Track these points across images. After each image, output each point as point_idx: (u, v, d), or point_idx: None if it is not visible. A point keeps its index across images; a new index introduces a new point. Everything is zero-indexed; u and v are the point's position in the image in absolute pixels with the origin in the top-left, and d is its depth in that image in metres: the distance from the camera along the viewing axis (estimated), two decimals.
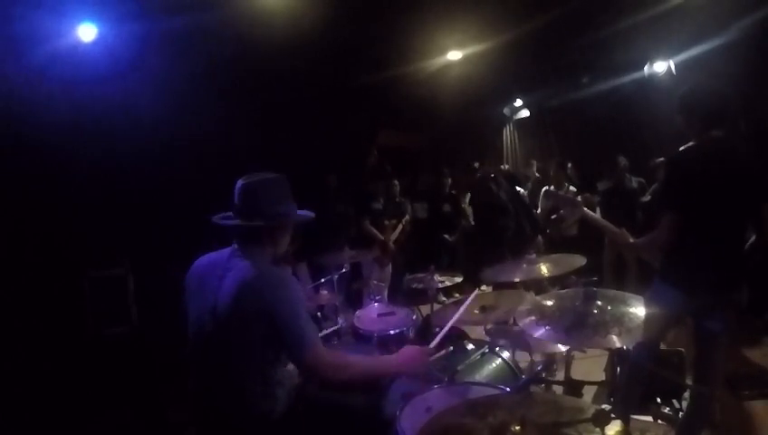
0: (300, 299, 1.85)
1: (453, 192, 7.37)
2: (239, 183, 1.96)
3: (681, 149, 2.43)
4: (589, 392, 2.92)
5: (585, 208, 2.83)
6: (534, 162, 8.60)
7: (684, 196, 2.31)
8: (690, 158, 2.38)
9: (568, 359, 2.53)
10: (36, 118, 3.95)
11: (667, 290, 2.35)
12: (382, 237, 5.72)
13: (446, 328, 2.31)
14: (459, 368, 2.53)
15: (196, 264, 2.03)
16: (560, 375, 2.86)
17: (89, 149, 4.27)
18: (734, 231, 2.40)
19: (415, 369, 2.07)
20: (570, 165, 7.46)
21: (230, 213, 1.97)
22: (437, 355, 2.59)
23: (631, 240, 2.55)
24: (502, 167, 9.47)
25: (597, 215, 2.81)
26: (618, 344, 1.61)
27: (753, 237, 2.56)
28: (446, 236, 7.00)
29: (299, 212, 2.07)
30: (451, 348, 2.80)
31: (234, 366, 1.84)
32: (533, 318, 1.82)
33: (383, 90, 6.89)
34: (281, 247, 2.04)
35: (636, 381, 2.47)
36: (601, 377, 3.12)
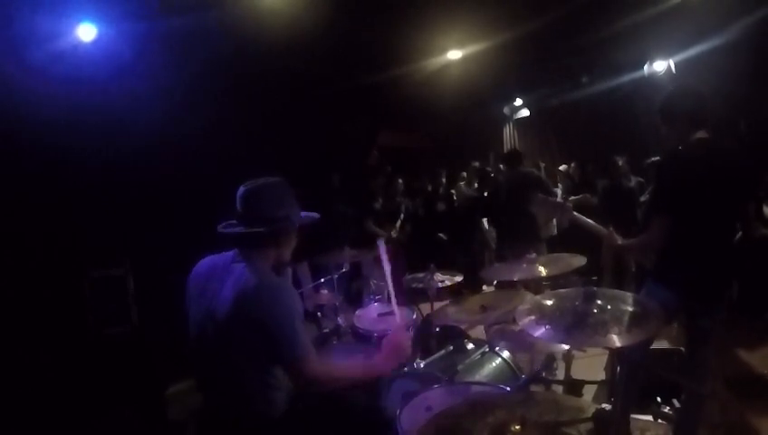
0: (295, 309, 1.82)
1: (451, 191, 7.41)
2: (240, 189, 1.94)
3: (669, 152, 2.46)
4: (589, 392, 2.92)
5: (574, 212, 2.84)
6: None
7: (673, 199, 2.33)
8: (679, 161, 2.41)
9: (568, 358, 2.53)
10: (36, 118, 3.94)
11: (659, 289, 2.37)
12: (386, 234, 5.72)
13: (390, 286, 2.33)
14: (459, 368, 2.54)
15: (197, 266, 2.02)
16: (560, 375, 2.87)
17: (89, 148, 4.26)
18: (724, 231, 2.44)
19: (402, 355, 2.06)
20: (572, 164, 7.48)
21: (233, 220, 1.95)
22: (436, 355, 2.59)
23: (620, 241, 2.57)
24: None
25: (585, 217, 2.82)
26: (618, 344, 1.61)
27: (740, 234, 2.59)
28: (441, 234, 7.02)
29: (303, 214, 2.05)
30: (451, 348, 2.81)
31: (232, 370, 1.84)
32: (533, 318, 1.82)
33: (383, 90, 6.89)
34: (286, 252, 2.01)
35: (630, 380, 2.48)
36: (601, 376, 3.13)
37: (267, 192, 1.93)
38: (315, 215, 2.10)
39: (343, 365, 2.03)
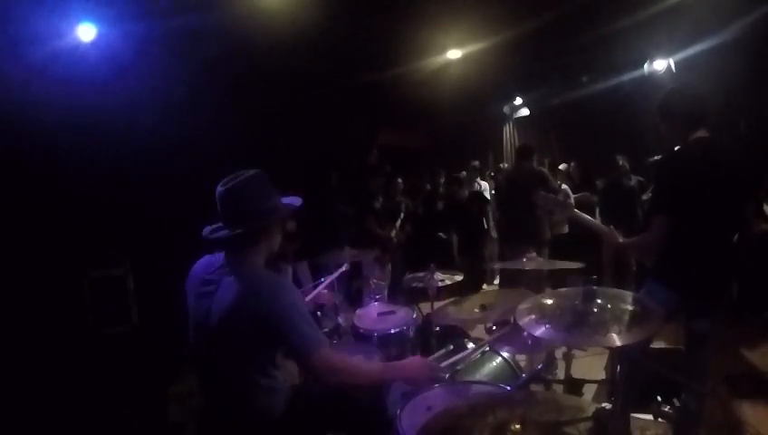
0: (300, 302, 1.83)
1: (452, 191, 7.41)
2: (218, 189, 1.90)
3: (670, 152, 2.46)
4: (589, 391, 2.92)
5: (575, 209, 2.84)
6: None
7: (673, 198, 2.33)
8: (679, 160, 2.42)
9: (568, 357, 2.52)
10: (36, 118, 3.94)
11: (659, 289, 2.37)
12: (386, 234, 5.72)
13: (462, 355, 2.32)
14: (459, 367, 2.53)
15: (194, 267, 2.01)
16: (560, 374, 2.86)
17: (89, 148, 4.26)
18: (723, 231, 2.44)
19: (420, 380, 2.06)
20: (572, 163, 7.47)
21: (219, 223, 1.93)
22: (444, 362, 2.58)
23: (620, 240, 2.57)
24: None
25: (586, 215, 2.82)
26: (618, 343, 1.61)
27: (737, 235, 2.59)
28: (441, 234, 7.02)
29: (284, 201, 2.01)
30: (451, 347, 2.80)
31: (231, 370, 1.84)
32: (534, 317, 1.82)
33: (383, 89, 6.89)
34: (274, 242, 1.99)
35: (630, 379, 2.48)
36: (602, 375, 3.13)
37: (242, 189, 1.88)
38: (297, 200, 2.06)
39: (360, 362, 2.02)
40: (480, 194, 7.21)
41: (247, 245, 1.90)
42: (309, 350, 1.77)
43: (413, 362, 2.07)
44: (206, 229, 1.96)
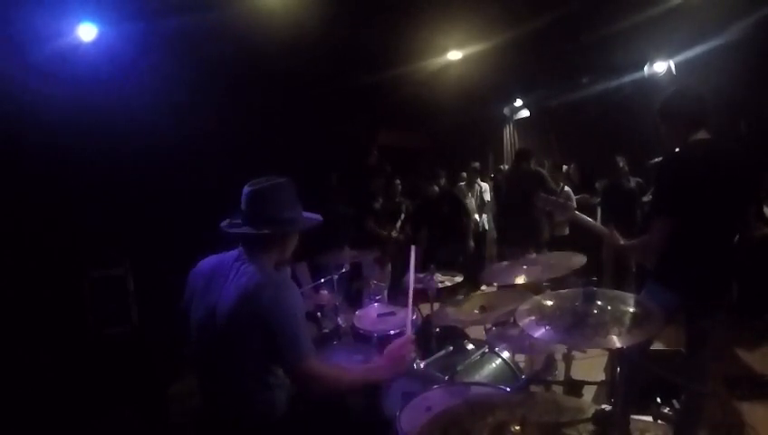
0: (299, 308, 1.83)
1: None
2: (246, 189, 1.93)
3: (670, 153, 2.46)
4: (589, 392, 2.92)
5: (576, 211, 2.84)
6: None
7: (674, 200, 2.34)
8: (679, 162, 2.42)
9: (568, 359, 2.53)
10: (36, 118, 3.95)
11: (659, 290, 2.38)
12: (386, 234, 5.72)
13: (410, 308, 2.33)
14: (459, 368, 2.54)
15: (201, 264, 2.02)
16: (560, 375, 2.86)
17: (89, 148, 4.27)
18: (724, 232, 2.44)
19: (402, 365, 2.06)
20: (572, 165, 7.47)
21: (238, 220, 1.94)
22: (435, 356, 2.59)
23: (622, 242, 2.57)
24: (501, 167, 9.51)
25: (587, 217, 2.82)
26: (618, 344, 1.61)
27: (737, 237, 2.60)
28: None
29: (306, 215, 2.05)
30: (451, 348, 2.81)
31: (233, 368, 1.84)
32: (533, 318, 1.82)
33: (383, 90, 6.89)
34: (288, 252, 2.03)
35: (630, 381, 2.49)
36: (601, 377, 3.13)
37: (273, 194, 1.92)
38: (317, 217, 2.09)
39: (343, 369, 2.02)
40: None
41: (263, 247, 1.92)
42: (297, 357, 1.78)
43: (388, 353, 2.05)
44: (225, 222, 1.97)
